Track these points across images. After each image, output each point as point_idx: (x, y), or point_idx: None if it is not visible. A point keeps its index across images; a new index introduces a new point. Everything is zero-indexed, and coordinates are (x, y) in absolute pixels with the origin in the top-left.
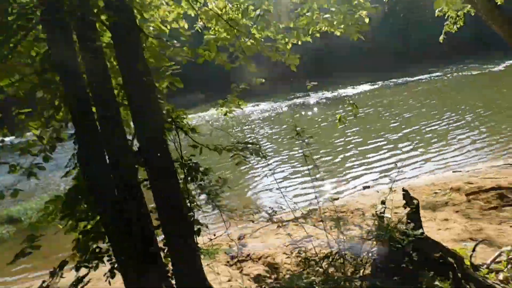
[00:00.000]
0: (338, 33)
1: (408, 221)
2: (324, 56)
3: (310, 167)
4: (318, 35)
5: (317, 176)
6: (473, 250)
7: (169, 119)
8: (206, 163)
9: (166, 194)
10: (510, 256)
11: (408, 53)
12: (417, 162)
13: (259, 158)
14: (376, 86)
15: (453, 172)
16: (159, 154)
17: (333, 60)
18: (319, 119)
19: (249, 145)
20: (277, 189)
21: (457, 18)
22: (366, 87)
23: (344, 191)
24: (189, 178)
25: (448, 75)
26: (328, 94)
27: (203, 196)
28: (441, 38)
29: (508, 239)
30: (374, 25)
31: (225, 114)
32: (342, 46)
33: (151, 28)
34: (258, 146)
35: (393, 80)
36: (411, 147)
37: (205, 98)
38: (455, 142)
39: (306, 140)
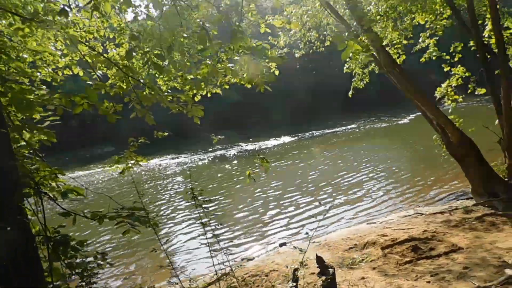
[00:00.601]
0: (249, 86)
1: None
2: (243, 108)
3: (209, 228)
4: (227, 86)
5: (221, 239)
6: None
7: (31, 182)
8: (95, 232)
9: (20, 280)
10: None
11: (320, 107)
12: (334, 215)
13: (165, 222)
14: (295, 138)
15: (367, 224)
16: (8, 228)
17: (251, 112)
18: (238, 173)
19: (135, 211)
20: (169, 264)
21: (363, 75)
22: (287, 139)
23: (260, 250)
24: (56, 255)
25: (361, 128)
26: (250, 146)
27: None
28: (350, 93)
29: None
30: (288, 80)
31: (122, 173)
32: (260, 98)
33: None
34: (145, 212)
35: (312, 132)
36: (328, 200)
37: (115, 150)
38: (369, 193)
39: (204, 206)
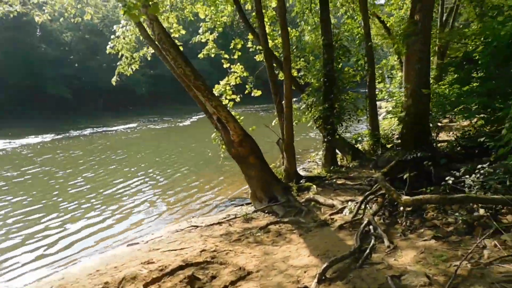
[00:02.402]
0: None
1: None
2: None
3: None
4: None
5: None
6: None
7: None
8: None
9: None
10: None
11: (84, 103)
12: (80, 239)
13: None
14: (50, 139)
15: (128, 245)
16: None
17: None
18: None
19: None
20: None
21: (132, 60)
22: (47, 137)
23: None
24: None
25: (140, 127)
26: None
27: None
28: (113, 80)
29: None
30: (38, 70)
31: None
32: None
33: None
34: None
35: (80, 131)
36: (69, 218)
37: None
38: (130, 205)
39: None
